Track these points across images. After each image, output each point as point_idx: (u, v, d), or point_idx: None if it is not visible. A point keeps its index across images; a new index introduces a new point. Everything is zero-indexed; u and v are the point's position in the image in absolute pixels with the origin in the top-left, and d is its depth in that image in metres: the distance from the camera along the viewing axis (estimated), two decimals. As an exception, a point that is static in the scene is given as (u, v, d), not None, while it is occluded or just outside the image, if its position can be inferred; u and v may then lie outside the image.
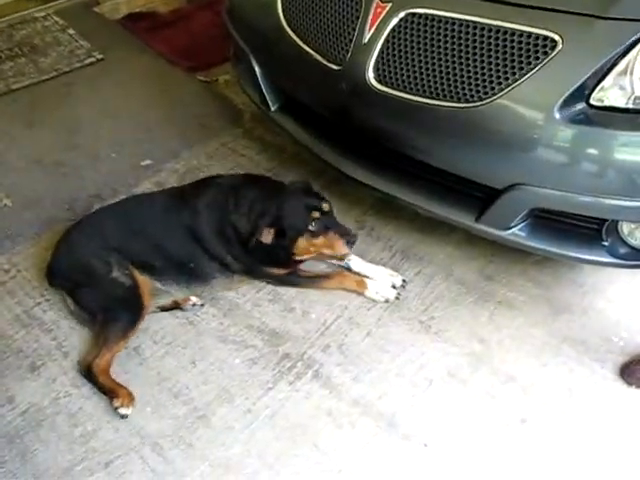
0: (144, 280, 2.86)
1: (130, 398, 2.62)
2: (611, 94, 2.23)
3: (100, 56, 4.65)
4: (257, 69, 3.18)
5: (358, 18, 2.58)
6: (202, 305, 3.01)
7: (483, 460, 2.44)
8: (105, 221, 2.99)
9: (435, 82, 2.41)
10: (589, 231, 2.55)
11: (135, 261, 2.87)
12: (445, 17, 2.36)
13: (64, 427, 2.56)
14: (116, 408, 2.58)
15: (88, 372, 2.69)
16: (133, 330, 2.76)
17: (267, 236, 2.78)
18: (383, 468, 2.42)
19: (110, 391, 2.63)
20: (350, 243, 2.78)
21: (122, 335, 2.73)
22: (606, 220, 2.50)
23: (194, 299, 3.01)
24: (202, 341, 2.86)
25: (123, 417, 2.58)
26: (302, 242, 2.80)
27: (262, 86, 3.21)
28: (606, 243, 2.56)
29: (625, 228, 2.53)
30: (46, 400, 2.65)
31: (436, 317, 2.90)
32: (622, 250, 2.57)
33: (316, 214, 2.77)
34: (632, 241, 2.54)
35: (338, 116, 2.82)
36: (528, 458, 2.44)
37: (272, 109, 3.23)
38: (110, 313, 2.75)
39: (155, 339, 2.86)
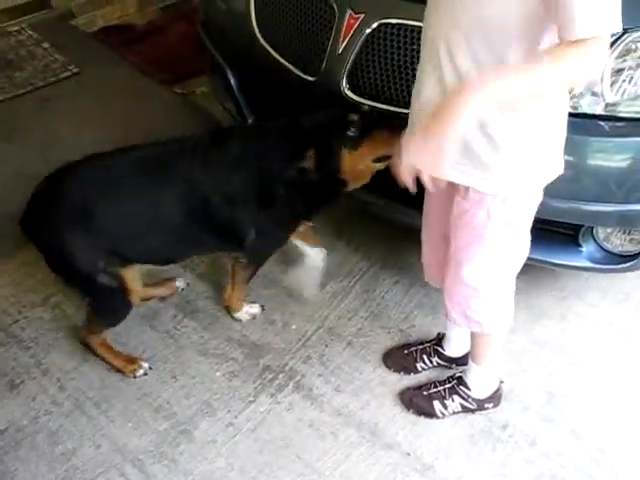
0: (132, 273, 2.58)
1: (132, 362, 2.76)
2: (584, 101, 2.26)
3: (76, 70, 4.61)
4: (233, 81, 3.17)
5: (332, 29, 2.58)
6: (188, 284, 3.07)
7: (464, 469, 2.45)
8: (93, 202, 2.40)
9: (409, 92, 2.40)
10: (566, 237, 2.58)
11: (130, 256, 2.52)
12: (418, 27, 2.34)
13: (44, 446, 2.54)
14: (134, 376, 2.75)
15: (86, 346, 2.77)
16: (119, 323, 2.71)
17: (309, 160, 2.38)
18: (366, 477, 2.43)
19: (112, 365, 2.76)
20: (395, 129, 2.22)
21: (107, 326, 2.72)
22: (582, 226, 2.53)
23: (178, 283, 3.07)
24: (182, 355, 2.84)
25: (145, 374, 2.75)
26: (346, 156, 2.39)
27: (238, 98, 3.21)
28: (583, 248, 2.58)
29: (601, 233, 2.56)
30: (25, 419, 2.62)
31: (417, 325, 2.92)
32: (599, 255, 2.60)
33: (352, 116, 2.38)
34: (608, 246, 2.58)
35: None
36: (509, 465, 2.45)
37: (249, 121, 3.23)
38: (95, 306, 2.66)
39: (135, 354, 2.84)
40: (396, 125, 2.23)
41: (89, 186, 2.43)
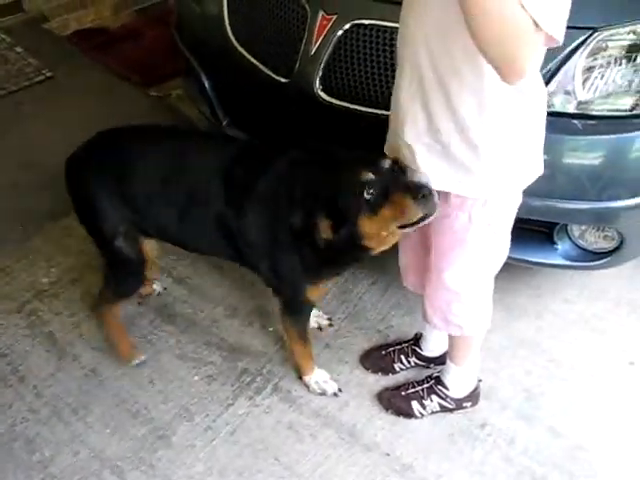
0: (150, 246, 2.61)
1: (129, 351, 2.79)
2: (556, 100, 2.27)
3: (49, 74, 4.59)
4: (206, 83, 3.16)
5: (304, 30, 2.57)
6: (165, 289, 3.06)
7: (444, 468, 2.45)
8: (124, 169, 2.41)
9: (382, 92, 2.42)
10: (541, 235, 2.59)
11: (147, 229, 2.51)
12: (391, 27, 2.36)
13: (21, 454, 2.51)
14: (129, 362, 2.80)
15: (98, 315, 2.82)
16: (129, 295, 2.74)
17: (326, 230, 2.07)
18: (346, 479, 2.42)
19: (113, 346, 2.81)
20: (422, 199, 1.87)
21: (118, 296, 2.73)
22: (557, 223, 2.54)
23: (155, 287, 3.08)
24: (160, 359, 2.83)
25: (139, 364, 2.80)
26: (366, 223, 2.01)
27: (212, 100, 3.19)
28: (558, 246, 2.60)
29: (575, 230, 2.58)
30: (2, 427, 2.59)
31: (394, 325, 2.92)
32: (574, 252, 2.61)
33: (367, 175, 1.97)
34: (583, 243, 2.59)
35: (288, 129, 2.82)
36: (488, 464, 2.46)
37: (223, 123, 3.21)
38: (109, 271, 2.67)
39: (112, 359, 2.82)
40: (414, 186, 1.90)
41: (126, 152, 2.46)
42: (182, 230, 2.48)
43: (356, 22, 2.45)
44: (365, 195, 1.96)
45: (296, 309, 2.56)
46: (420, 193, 1.87)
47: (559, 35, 1.50)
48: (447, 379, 2.51)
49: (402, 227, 1.99)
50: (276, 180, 2.27)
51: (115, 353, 2.80)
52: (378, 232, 2.04)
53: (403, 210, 1.92)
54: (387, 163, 1.99)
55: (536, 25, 1.43)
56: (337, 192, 2.04)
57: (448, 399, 2.53)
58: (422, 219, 1.92)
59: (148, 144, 2.50)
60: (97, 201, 2.44)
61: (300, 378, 2.72)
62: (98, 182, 2.43)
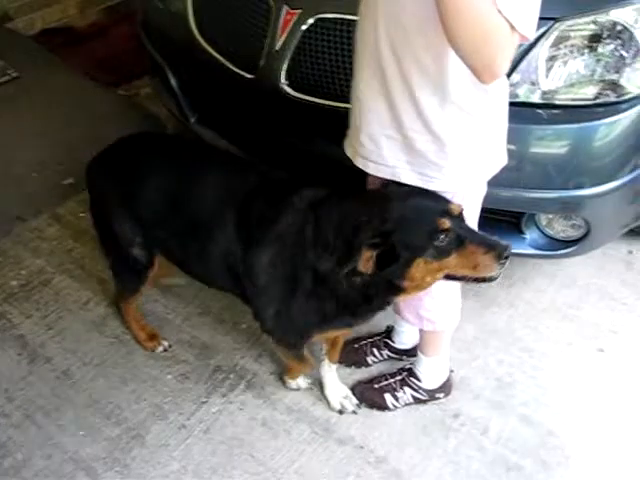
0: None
1: (153, 338, 2.84)
2: (520, 90, 2.29)
3: (15, 74, 4.52)
4: (173, 81, 3.15)
5: (269, 25, 2.58)
6: None
7: (417, 459, 2.46)
8: (141, 182, 2.42)
9: (348, 86, 2.39)
10: (508, 224, 2.61)
11: (154, 243, 2.51)
12: (355, 21, 2.35)
13: (-7, 458, 2.50)
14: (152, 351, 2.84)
15: (119, 310, 2.91)
16: (134, 292, 2.76)
17: (367, 262, 1.86)
18: (321, 473, 2.43)
19: (135, 338, 2.86)
20: (502, 257, 1.84)
21: (126, 292, 2.78)
22: (524, 213, 2.56)
23: None
24: (132, 359, 2.81)
25: (165, 350, 2.84)
26: (420, 265, 1.85)
27: (179, 98, 3.18)
28: (526, 235, 2.62)
29: (543, 220, 2.60)
30: (-27, 432, 2.57)
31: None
32: (542, 241, 2.64)
33: (445, 223, 1.82)
34: (550, 232, 2.62)
35: (255, 124, 2.81)
36: (462, 453, 2.48)
37: (191, 121, 3.20)
38: (114, 270, 2.75)
39: (85, 361, 2.80)
40: (494, 243, 1.86)
41: (146, 163, 2.51)
42: (186, 259, 2.49)
43: (320, 16, 2.45)
44: (437, 242, 1.83)
45: (292, 346, 2.45)
46: (504, 254, 1.83)
47: (531, 34, 1.54)
48: (419, 371, 2.52)
49: (450, 277, 1.93)
50: (300, 216, 2.09)
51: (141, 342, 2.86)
52: (425, 276, 1.90)
53: (477, 264, 1.85)
54: (456, 209, 1.88)
55: (512, 28, 1.48)
56: (399, 225, 1.86)
57: (421, 390, 2.54)
58: (487, 279, 1.90)
59: (165, 161, 2.48)
60: (115, 215, 2.49)
61: (279, 374, 2.72)
62: (116, 192, 2.49)
